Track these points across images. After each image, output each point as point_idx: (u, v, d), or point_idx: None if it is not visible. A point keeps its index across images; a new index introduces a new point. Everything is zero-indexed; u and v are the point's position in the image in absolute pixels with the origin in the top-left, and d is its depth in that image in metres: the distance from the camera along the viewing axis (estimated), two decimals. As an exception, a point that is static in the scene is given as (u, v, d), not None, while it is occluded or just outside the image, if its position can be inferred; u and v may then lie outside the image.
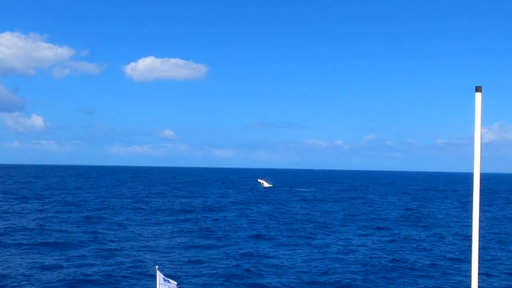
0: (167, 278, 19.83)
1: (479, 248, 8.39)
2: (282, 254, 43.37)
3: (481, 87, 8.21)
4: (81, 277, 33.55)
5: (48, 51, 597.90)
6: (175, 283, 20.07)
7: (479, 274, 8.45)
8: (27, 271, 34.79)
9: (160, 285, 19.58)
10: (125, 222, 60.91)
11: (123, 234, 52.40)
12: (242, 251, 44.09)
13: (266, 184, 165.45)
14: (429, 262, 40.37)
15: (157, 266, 20.82)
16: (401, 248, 46.92)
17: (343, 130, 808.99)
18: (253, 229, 57.93)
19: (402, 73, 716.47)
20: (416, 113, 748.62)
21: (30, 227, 54.25)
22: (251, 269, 36.77)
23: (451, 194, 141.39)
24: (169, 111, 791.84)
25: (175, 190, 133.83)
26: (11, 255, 40.36)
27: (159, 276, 19.63)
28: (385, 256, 42.46)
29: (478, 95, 8.23)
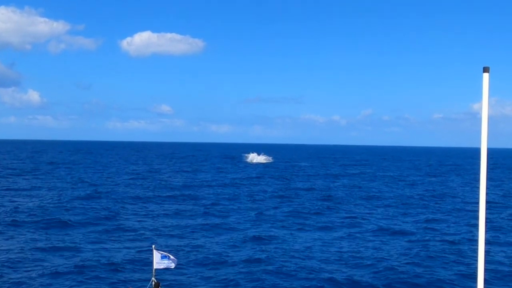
0: (165, 254, 20.20)
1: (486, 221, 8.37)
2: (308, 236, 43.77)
3: (488, 67, 8.10)
4: (79, 257, 33.90)
5: (43, 26, 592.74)
6: (174, 258, 20.33)
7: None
8: (31, 251, 35.40)
9: (157, 263, 19.94)
10: (131, 199, 60.90)
11: (128, 211, 52.78)
12: (251, 232, 44.29)
13: (258, 159, 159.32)
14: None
15: (153, 245, 21.18)
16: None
17: (340, 105, 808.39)
18: (256, 209, 57.74)
19: (399, 47, 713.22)
20: (413, 88, 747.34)
21: (32, 206, 54.78)
22: (264, 254, 36.89)
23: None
24: (166, 86, 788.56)
25: (177, 165, 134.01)
26: (19, 234, 40.96)
27: (156, 255, 20.01)
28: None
29: (486, 76, 8.13)
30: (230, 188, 76.83)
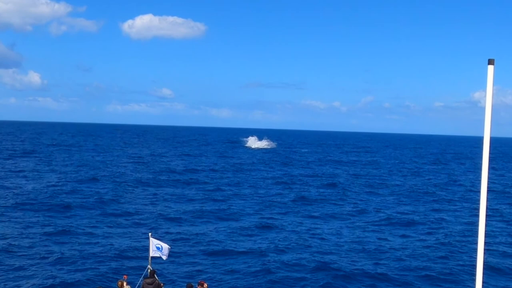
0: (159, 244, 20.16)
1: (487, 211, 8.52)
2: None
3: (493, 60, 8.09)
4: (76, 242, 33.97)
5: (45, 7, 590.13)
6: (168, 247, 20.31)
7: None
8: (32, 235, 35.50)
9: (153, 251, 20.01)
10: (132, 183, 60.79)
11: (128, 195, 52.77)
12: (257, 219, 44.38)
13: (259, 145, 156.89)
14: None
15: (150, 233, 21.02)
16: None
17: (340, 91, 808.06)
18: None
19: (401, 35, 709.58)
20: (414, 76, 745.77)
21: (31, 189, 54.86)
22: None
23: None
24: (167, 69, 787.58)
25: (179, 149, 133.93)
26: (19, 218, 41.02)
27: (152, 242, 20.09)
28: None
29: (491, 68, 8.09)
30: (232, 173, 76.64)
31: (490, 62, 8.14)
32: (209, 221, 41.23)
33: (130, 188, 56.67)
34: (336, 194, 58.46)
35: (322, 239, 35.80)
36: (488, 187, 8.29)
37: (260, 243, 33.99)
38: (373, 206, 50.81)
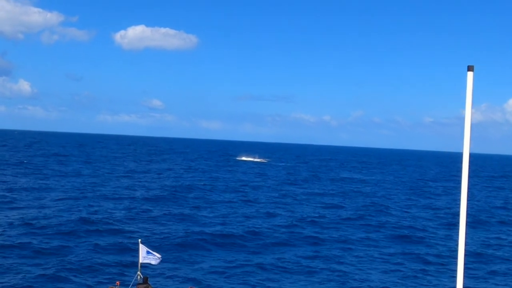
0: (150, 251, 20.19)
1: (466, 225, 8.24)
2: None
3: (473, 66, 8.03)
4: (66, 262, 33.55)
5: (37, 16, 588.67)
6: (159, 256, 20.43)
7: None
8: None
9: (143, 258, 20.02)
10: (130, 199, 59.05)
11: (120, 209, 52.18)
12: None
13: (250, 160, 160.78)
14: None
15: (140, 240, 21.06)
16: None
17: (330, 105, 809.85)
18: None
19: (392, 50, 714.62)
20: (404, 91, 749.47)
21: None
22: None
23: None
24: (158, 80, 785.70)
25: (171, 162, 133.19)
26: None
27: (142, 249, 20.12)
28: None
29: (470, 75, 8.07)
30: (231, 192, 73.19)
31: (470, 68, 8.07)
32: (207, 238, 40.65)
33: (126, 204, 55.86)
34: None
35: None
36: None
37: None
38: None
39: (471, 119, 8.30)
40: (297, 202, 62.98)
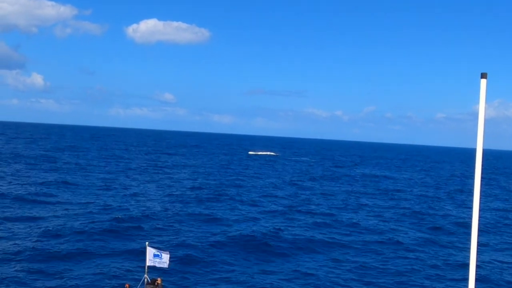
0: (158, 252, 20.30)
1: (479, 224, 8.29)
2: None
3: (486, 73, 8.11)
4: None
5: (50, 9, 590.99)
6: (168, 255, 20.46)
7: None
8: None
9: (150, 261, 20.17)
10: (141, 191, 59.23)
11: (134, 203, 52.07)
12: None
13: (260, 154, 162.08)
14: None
15: (147, 242, 21.30)
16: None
17: (343, 100, 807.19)
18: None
19: (405, 46, 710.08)
20: (416, 86, 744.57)
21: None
22: None
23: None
24: (170, 74, 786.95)
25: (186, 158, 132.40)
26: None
27: (149, 251, 20.26)
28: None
29: (483, 82, 8.14)
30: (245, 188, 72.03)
31: (483, 76, 8.19)
32: (218, 237, 40.74)
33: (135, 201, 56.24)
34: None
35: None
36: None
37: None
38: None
39: (484, 122, 8.39)
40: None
